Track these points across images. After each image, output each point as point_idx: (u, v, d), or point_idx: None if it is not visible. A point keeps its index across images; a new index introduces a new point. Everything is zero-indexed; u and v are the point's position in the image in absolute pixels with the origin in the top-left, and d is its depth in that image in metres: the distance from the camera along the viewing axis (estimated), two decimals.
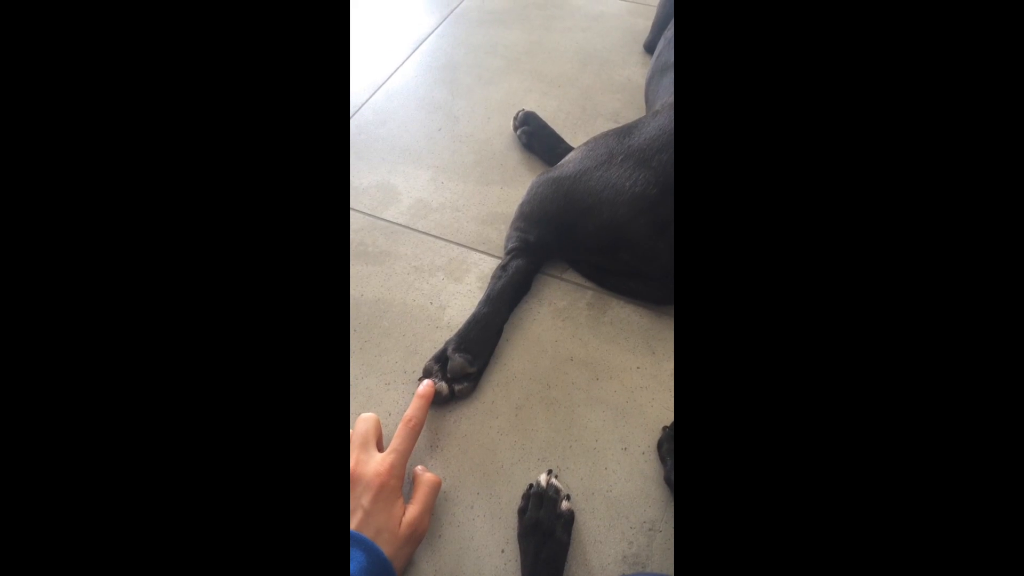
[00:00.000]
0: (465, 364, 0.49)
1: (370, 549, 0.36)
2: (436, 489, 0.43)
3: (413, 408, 0.44)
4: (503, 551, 0.42)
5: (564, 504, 0.43)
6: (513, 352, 0.53)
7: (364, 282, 0.59)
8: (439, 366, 0.50)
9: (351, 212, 0.65)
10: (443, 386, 0.48)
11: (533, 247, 0.56)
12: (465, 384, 0.49)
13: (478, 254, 0.60)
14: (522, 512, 0.43)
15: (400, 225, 0.64)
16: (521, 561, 0.41)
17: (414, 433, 0.43)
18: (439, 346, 0.52)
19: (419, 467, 0.45)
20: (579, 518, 0.43)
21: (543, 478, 0.44)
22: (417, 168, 0.69)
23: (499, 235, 0.62)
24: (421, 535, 0.41)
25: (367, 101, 0.78)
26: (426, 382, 0.47)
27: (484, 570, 0.42)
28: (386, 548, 0.38)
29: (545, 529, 0.41)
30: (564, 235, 0.55)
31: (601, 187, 0.52)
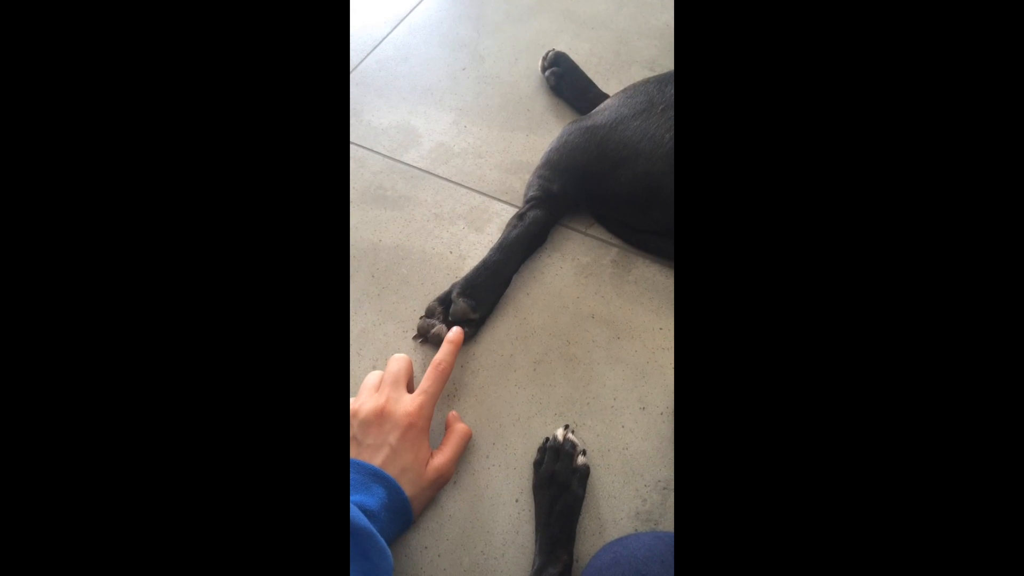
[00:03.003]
0: (468, 309, 0.48)
1: (391, 486, 0.37)
2: (466, 439, 0.43)
3: (443, 352, 0.44)
4: (517, 500, 0.43)
5: (580, 459, 0.43)
6: (533, 307, 0.52)
7: (383, 227, 0.57)
8: (442, 308, 0.49)
9: (370, 153, 0.63)
10: (442, 328, 0.48)
11: (555, 197, 0.54)
12: (466, 330, 0.49)
13: (500, 204, 0.58)
14: (538, 464, 0.43)
15: (420, 170, 0.61)
16: (535, 512, 0.41)
17: (443, 376, 0.43)
18: None
19: (453, 412, 0.45)
20: (594, 473, 0.43)
21: (560, 432, 0.44)
22: (439, 110, 0.66)
23: (523, 185, 0.59)
24: (445, 481, 0.42)
25: (388, 35, 0.74)
26: (455, 329, 0.46)
27: (498, 517, 0.42)
28: (409, 488, 0.38)
29: (560, 482, 0.41)
30: (593, 187, 0.53)
31: (638, 138, 0.49)
